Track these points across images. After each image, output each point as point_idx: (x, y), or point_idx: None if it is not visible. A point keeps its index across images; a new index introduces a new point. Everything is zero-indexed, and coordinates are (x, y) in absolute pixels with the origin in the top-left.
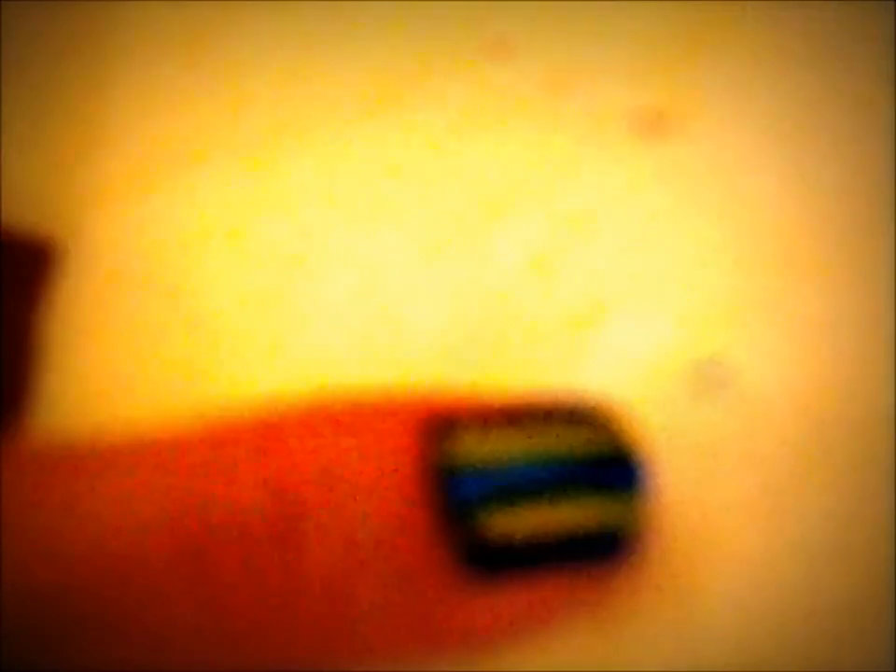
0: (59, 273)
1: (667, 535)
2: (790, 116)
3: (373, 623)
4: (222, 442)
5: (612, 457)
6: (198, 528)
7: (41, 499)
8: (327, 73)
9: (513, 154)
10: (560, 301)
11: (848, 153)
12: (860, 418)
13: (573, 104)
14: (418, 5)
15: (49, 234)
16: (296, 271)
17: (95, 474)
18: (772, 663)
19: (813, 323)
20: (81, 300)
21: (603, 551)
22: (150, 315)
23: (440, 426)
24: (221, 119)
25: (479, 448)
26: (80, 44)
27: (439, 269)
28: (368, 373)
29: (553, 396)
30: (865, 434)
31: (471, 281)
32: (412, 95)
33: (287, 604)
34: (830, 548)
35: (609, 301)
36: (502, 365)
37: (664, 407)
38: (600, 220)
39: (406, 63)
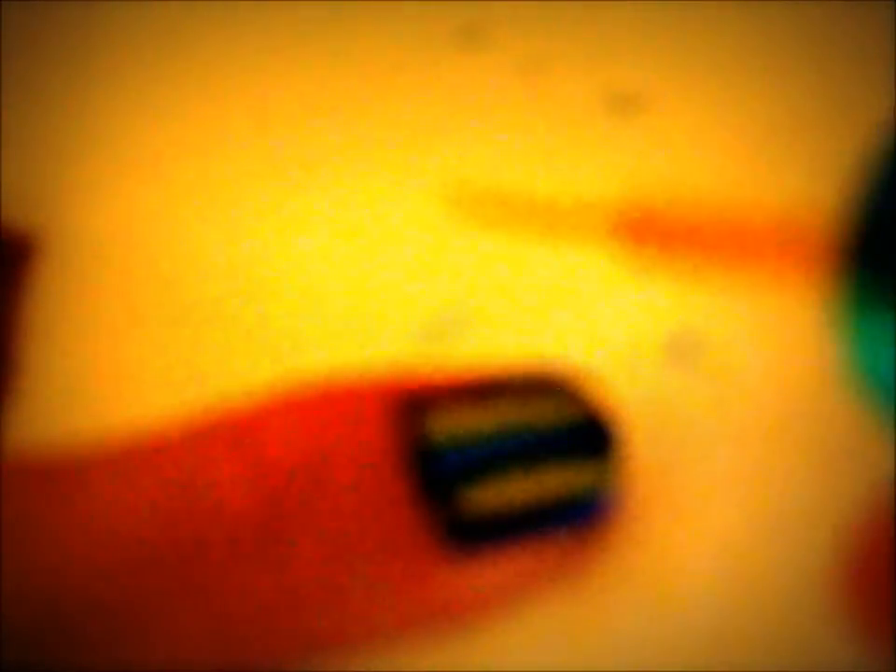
0: (42, 267)
1: (643, 504)
2: (772, 99)
3: (360, 602)
4: (202, 440)
5: (583, 424)
6: (185, 525)
7: (30, 506)
8: (305, 67)
9: (491, 139)
10: (534, 270)
11: (822, 133)
12: (836, 391)
13: (548, 86)
14: None
15: (33, 228)
16: (274, 258)
17: (79, 481)
18: (747, 631)
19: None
20: (63, 295)
21: (580, 516)
22: (133, 310)
23: (415, 404)
24: (207, 112)
25: (454, 424)
26: (68, 42)
27: (414, 250)
28: (344, 356)
29: (525, 369)
30: (841, 406)
31: (446, 259)
32: (387, 85)
33: (275, 591)
34: (804, 517)
35: (585, 272)
36: (477, 340)
37: (638, 376)
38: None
39: (379, 53)
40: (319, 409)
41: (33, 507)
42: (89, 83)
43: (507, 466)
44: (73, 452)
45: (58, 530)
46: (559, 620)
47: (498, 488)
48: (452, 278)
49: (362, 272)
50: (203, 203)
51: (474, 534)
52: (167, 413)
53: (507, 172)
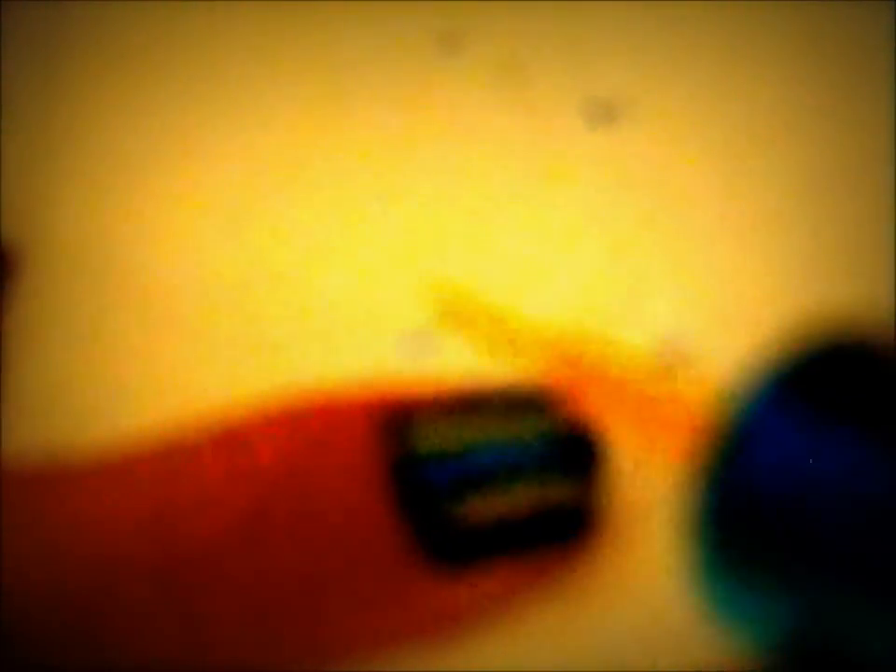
0: (19, 277)
1: (627, 513)
2: (759, 108)
3: (347, 616)
4: (189, 452)
5: (569, 439)
6: (172, 536)
7: (24, 513)
8: (280, 72)
9: (467, 143)
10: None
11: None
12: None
13: (524, 93)
14: (368, 4)
15: (9, 238)
16: (257, 268)
17: (69, 491)
18: None
19: (761, 299)
20: (41, 304)
21: (564, 529)
22: (111, 319)
23: (398, 417)
24: (187, 119)
25: (438, 438)
26: (38, 51)
27: (398, 262)
28: (332, 362)
29: (508, 384)
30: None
31: (430, 272)
32: (363, 90)
33: (261, 604)
34: None
35: (562, 283)
36: (460, 352)
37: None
38: (551, 206)
39: (359, 60)
40: (306, 424)
41: (27, 514)
42: (59, 92)
43: (491, 480)
44: (64, 461)
45: (51, 536)
46: (545, 633)
47: (483, 502)
48: (437, 288)
49: (349, 277)
50: (186, 214)
51: (457, 548)
52: (152, 421)
53: (483, 181)
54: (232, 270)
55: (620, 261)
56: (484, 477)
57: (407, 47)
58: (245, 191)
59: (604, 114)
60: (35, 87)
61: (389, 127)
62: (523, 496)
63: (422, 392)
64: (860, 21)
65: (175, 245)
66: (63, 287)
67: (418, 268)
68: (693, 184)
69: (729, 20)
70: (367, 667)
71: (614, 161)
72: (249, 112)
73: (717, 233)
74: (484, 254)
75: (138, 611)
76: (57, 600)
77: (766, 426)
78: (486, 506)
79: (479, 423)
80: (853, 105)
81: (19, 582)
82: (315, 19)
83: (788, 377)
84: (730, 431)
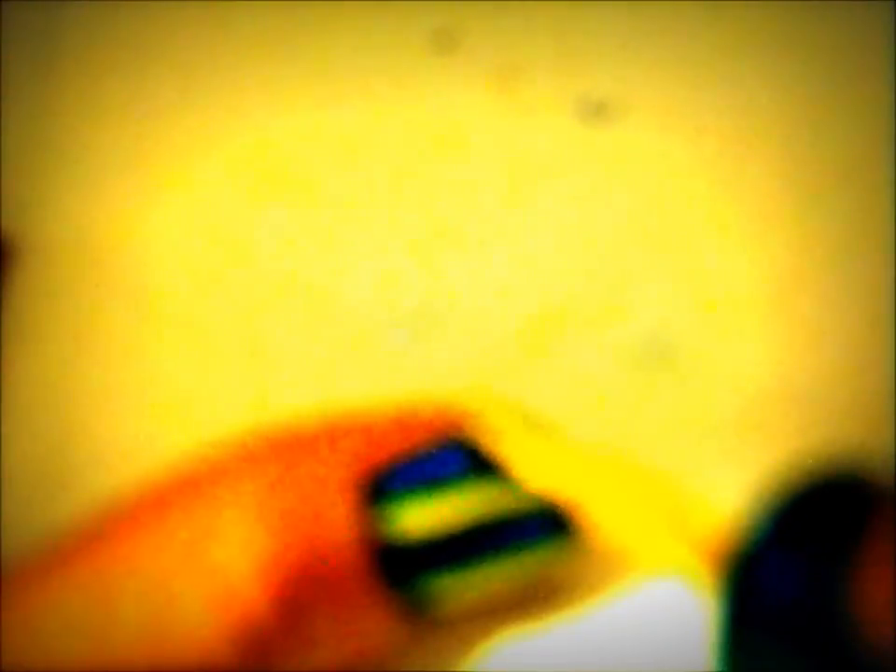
0: (17, 269)
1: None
2: (742, 106)
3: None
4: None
5: (541, 509)
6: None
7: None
8: (276, 71)
9: (461, 140)
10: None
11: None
12: (797, 392)
13: (518, 91)
14: (363, 3)
15: (7, 232)
16: (255, 267)
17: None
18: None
19: (748, 297)
20: (36, 298)
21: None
22: (105, 314)
23: (375, 488)
24: (184, 118)
25: (412, 517)
26: (37, 50)
27: (390, 257)
28: (324, 367)
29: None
30: (801, 405)
31: (420, 280)
32: (359, 88)
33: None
34: None
35: (552, 277)
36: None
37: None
38: (545, 204)
39: (355, 56)
40: (284, 493)
41: (23, 609)
42: (55, 90)
43: (468, 561)
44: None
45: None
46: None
47: (461, 580)
48: (431, 280)
49: (342, 274)
50: (182, 212)
51: (439, 616)
52: (143, 419)
53: (477, 177)
54: (229, 269)
55: (611, 257)
56: (462, 559)
57: (402, 45)
58: (241, 190)
59: (597, 112)
60: (34, 86)
61: (384, 124)
62: (502, 570)
63: (400, 440)
64: (859, 21)
65: (170, 243)
66: (60, 280)
67: (412, 262)
68: (686, 184)
69: (726, 20)
70: None
71: (608, 159)
72: (246, 111)
73: (709, 232)
74: (477, 249)
75: None
76: None
77: (768, 555)
78: (466, 584)
79: (454, 495)
80: (851, 106)
81: None
82: (310, 18)
83: (789, 509)
84: (736, 558)
